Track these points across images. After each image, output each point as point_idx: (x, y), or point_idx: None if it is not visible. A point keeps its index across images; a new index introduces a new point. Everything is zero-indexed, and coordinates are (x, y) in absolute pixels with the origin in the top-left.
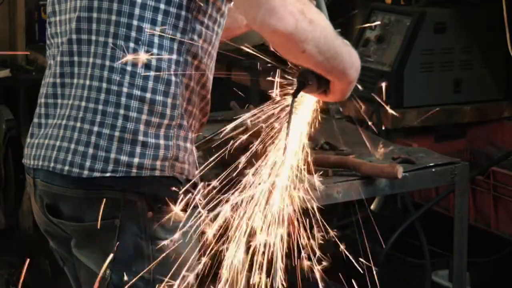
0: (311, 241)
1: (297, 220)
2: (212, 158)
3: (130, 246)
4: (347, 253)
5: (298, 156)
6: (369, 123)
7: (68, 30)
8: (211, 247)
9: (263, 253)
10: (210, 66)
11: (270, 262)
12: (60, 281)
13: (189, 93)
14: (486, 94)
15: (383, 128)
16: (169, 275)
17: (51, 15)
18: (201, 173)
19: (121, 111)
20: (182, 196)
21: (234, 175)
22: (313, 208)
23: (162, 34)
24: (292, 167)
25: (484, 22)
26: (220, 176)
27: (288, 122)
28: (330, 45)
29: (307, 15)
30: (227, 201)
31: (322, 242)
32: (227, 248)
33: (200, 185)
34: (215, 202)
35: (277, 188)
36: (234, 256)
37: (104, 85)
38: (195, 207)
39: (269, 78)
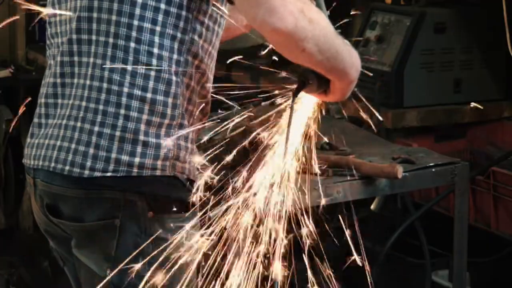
0: (311, 241)
1: (297, 220)
2: (211, 159)
3: (130, 246)
4: (346, 253)
5: (298, 156)
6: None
7: (68, 30)
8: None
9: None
10: (211, 66)
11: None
12: (60, 281)
13: (190, 93)
14: (486, 94)
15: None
16: (170, 275)
17: (51, 15)
18: (202, 173)
19: (122, 111)
20: (183, 195)
21: (232, 175)
22: (313, 208)
23: (163, 33)
24: (292, 167)
25: (484, 22)
26: (220, 176)
27: (289, 122)
28: (330, 44)
29: (307, 14)
30: (227, 201)
31: (322, 242)
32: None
33: (200, 185)
34: (214, 202)
35: (277, 187)
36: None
37: (105, 85)
38: (195, 206)
39: (269, 79)
